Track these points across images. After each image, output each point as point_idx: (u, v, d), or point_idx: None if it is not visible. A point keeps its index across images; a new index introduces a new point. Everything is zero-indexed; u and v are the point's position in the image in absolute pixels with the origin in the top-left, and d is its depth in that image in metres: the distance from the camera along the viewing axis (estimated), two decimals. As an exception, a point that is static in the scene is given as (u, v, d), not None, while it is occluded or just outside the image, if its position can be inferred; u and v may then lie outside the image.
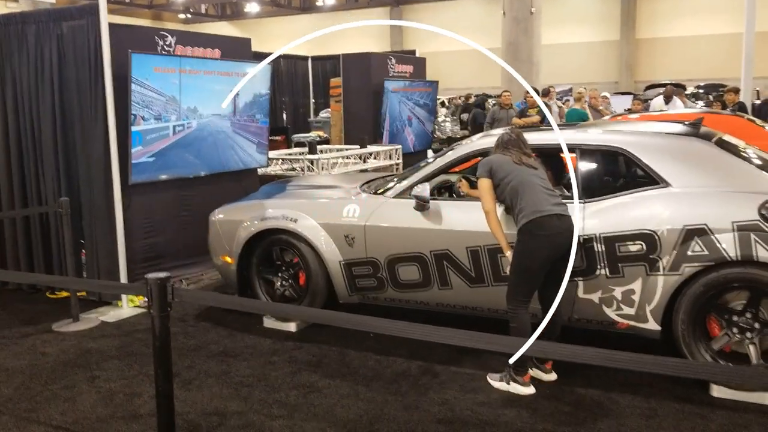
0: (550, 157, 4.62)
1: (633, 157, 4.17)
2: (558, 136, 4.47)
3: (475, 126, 13.09)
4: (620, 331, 4.15)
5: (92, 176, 5.65)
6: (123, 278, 5.63)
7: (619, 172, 4.58)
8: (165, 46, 6.04)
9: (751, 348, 3.77)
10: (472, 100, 13.61)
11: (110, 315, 5.44)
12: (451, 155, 4.75)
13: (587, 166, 4.38)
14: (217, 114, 6.38)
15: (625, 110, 15.93)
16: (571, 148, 4.39)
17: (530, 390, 3.90)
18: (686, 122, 4.77)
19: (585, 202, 4.16)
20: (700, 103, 21.64)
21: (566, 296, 4.15)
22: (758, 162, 4.22)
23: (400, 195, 4.77)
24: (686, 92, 22.94)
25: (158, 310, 2.54)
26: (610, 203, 4.11)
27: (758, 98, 10.83)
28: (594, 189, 4.32)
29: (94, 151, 5.60)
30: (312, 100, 11.30)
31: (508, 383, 3.93)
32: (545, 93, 11.62)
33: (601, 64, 34.04)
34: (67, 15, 5.66)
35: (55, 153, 5.78)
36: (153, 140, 5.78)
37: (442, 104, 27.06)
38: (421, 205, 4.52)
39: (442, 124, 20.26)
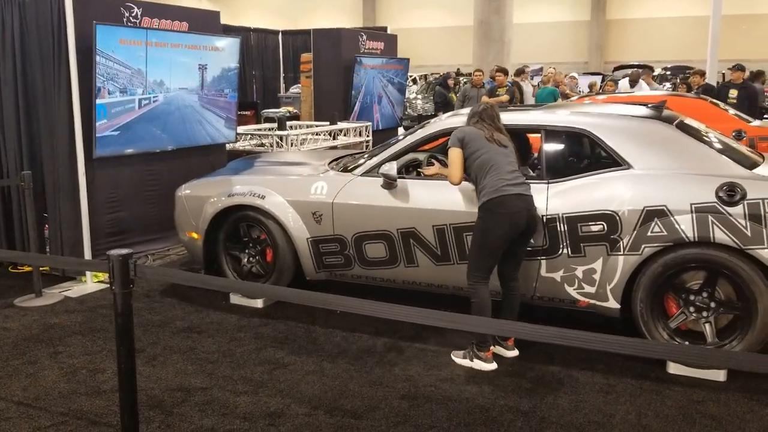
0: (516, 136, 4.67)
1: (596, 139, 4.24)
2: (524, 117, 4.52)
3: (438, 104, 13.10)
4: (581, 309, 4.24)
5: (56, 149, 5.55)
6: (87, 253, 5.56)
7: (583, 154, 4.65)
8: (131, 18, 5.91)
9: (707, 327, 3.89)
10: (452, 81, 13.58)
11: (74, 290, 5.40)
12: (419, 134, 4.77)
13: (552, 147, 4.45)
14: (184, 88, 6.29)
15: (590, 89, 16.05)
16: (537, 129, 4.45)
17: (492, 366, 3.97)
18: (649, 105, 4.83)
19: (549, 183, 4.22)
20: (667, 84, 21.93)
21: (529, 274, 4.24)
22: (717, 145, 4.32)
23: (368, 173, 4.78)
24: (654, 74, 23.27)
25: (120, 287, 2.53)
26: (573, 184, 4.18)
27: (723, 80, 10.99)
28: (558, 170, 4.39)
29: (57, 123, 5.49)
30: (282, 75, 11.19)
31: (471, 360, 4.00)
32: (519, 72, 11.66)
33: (572, 44, 34.22)
34: (30, -16, 5.51)
35: (17, 125, 5.66)
36: (118, 113, 5.68)
37: (414, 81, 27.01)
38: (389, 184, 4.55)
39: (414, 101, 20.23)
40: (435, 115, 13.20)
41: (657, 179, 3.99)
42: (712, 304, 3.88)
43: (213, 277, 3.80)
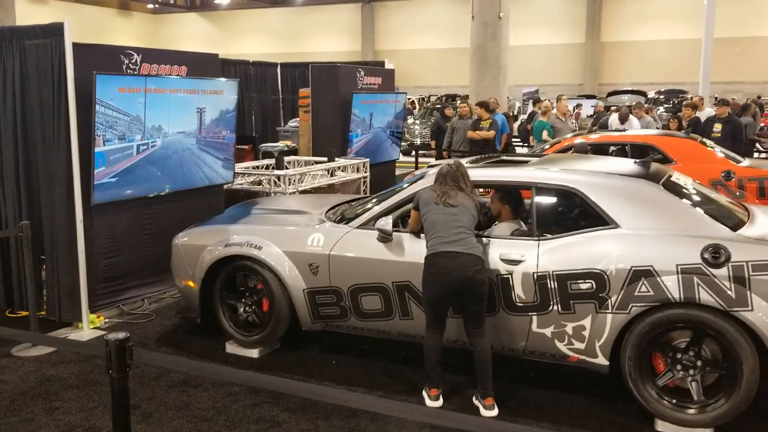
0: (508, 192, 4.78)
1: (585, 198, 4.33)
2: (515, 173, 4.64)
3: (433, 132, 13.21)
4: (572, 365, 4.30)
5: (54, 197, 5.63)
6: (84, 299, 5.62)
7: (573, 211, 4.73)
8: (131, 65, 6.02)
9: (693, 384, 3.96)
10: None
11: (70, 337, 5.44)
12: (416, 187, 4.83)
13: (542, 204, 4.54)
14: (182, 132, 6.38)
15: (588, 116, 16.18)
16: (527, 186, 4.55)
17: (435, 403, 4.26)
18: (637, 161, 4.94)
19: (540, 240, 4.31)
20: (661, 108, 22.12)
21: (520, 330, 4.32)
22: (703, 204, 4.42)
23: (364, 225, 4.86)
24: (648, 96, 23.50)
25: (117, 371, 2.59)
26: (563, 242, 4.26)
27: (717, 101, 11.22)
28: (548, 226, 4.48)
29: (56, 171, 5.58)
30: (281, 108, 11.29)
31: (423, 393, 4.32)
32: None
33: (567, 66, 34.56)
34: (31, 34, 5.62)
35: (16, 173, 5.75)
36: (116, 160, 5.77)
37: (412, 104, 27.17)
38: (384, 238, 4.63)
39: (411, 127, 20.35)
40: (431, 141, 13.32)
41: (644, 239, 4.08)
42: (699, 363, 3.95)
43: (212, 365, 3.88)
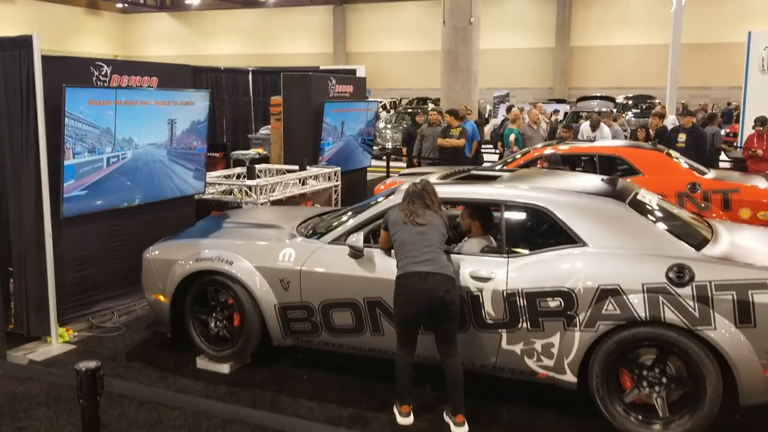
0: (478, 208, 4.85)
1: (554, 216, 4.41)
2: (484, 191, 4.72)
3: (404, 139, 13.27)
4: (541, 381, 4.37)
5: (23, 209, 5.56)
6: (52, 312, 5.56)
7: (542, 229, 4.81)
8: (101, 76, 5.96)
9: (659, 401, 4.05)
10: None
11: (39, 352, 5.39)
12: (386, 204, 4.87)
13: (511, 222, 4.61)
14: (153, 143, 6.33)
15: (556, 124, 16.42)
16: (497, 204, 4.62)
17: (406, 420, 4.29)
18: (604, 178, 5.03)
19: (509, 257, 4.38)
20: (629, 114, 22.48)
21: (490, 346, 4.38)
22: (669, 222, 4.53)
23: (336, 241, 4.88)
24: (616, 101, 23.85)
25: (88, 400, 2.58)
26: (532, 259, 4.34)
27: (683, 111, 11.44)
28: (518, 244, 4.55)
29: (25, 184, 5.51)
30: (252, 114, 11.27)
31: (394, 409, 4.36)
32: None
33: (537, 70, 34.94)
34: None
35: (-17, 186, 5.65)
36: (86, 173, 5.71)
37: (384, 107, 27.21)
38: (355, 254, 4.66)
39: (383, 131, 20.37)
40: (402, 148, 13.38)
41: (611, 258, 4.17)
42: (664, 380, 4.05)
43: (183, 396, 3.88)
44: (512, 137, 10.96)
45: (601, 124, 11.17)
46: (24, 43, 5.36)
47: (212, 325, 5.18)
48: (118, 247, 6.24)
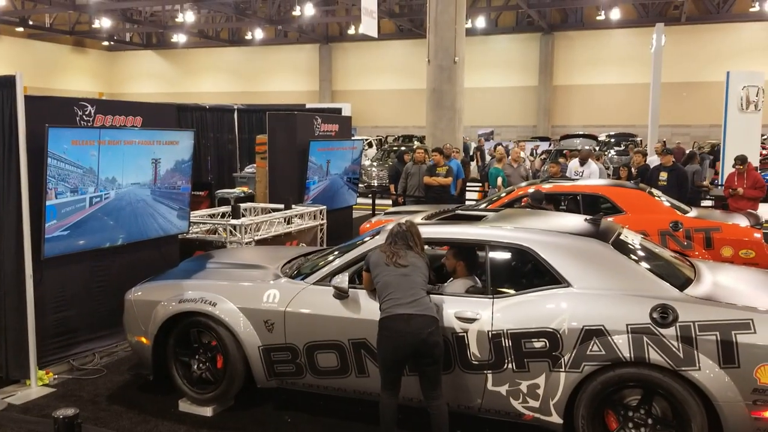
0: (463, 248, 4.85)
1: (538, 257, 4.43)
2: (469, 231, 4.73)
3: (391, 177, 13.35)
4: (527, 423, 4.34)
5: (3, 250, 5.51)
6: (32, 355, 5.47)
7: (526, 269, 4.83)
8: (84, 116, 5.96)
9: (645, 442, 4.03)
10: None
11: (18, 396, 5.28)
12: (371, 244, 4.87)
13: (496, 262, 4.62)
14: (137, 183, 6.32)
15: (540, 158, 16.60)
16: (481, 245, 4.63)
17: None
18: (587, 218, 5.07)
19: (494, 298, 4.38)
20: (612, 152, 22.79)
21: (476, 388, 4.35)
22: (651, 262, 4.56)
23: (320, 281, 4.86)
24: (599, 139, 24.20)
25: (66, 449, 2.53)
26: (516, 300, 4.34)
27: (664, 148, 11.68)
28: (503, 284, 4.56)
29: (5, 224, 5.47)
30: (238, 153, 11.30)
31: None
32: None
33: (521, 108, 35.39)
34: (-18, 85, 5.54)
35: (-36, 226, 5.60)
36: (68, 213, 5.67)
37: (369, 145, 27.40)
38: (340, 295, 4.64)
39: (369, 169, 20.46)
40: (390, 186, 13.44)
41: (595, 299, 4.18)
42: (650, 421, 4.03)
43: None
44: (499, 180, 11.03)
45: (589, 159, 11.34)
46: (7, 83, 5.37)
47: (195, 367, 5.11)
48: (100, 288, 6.17)
